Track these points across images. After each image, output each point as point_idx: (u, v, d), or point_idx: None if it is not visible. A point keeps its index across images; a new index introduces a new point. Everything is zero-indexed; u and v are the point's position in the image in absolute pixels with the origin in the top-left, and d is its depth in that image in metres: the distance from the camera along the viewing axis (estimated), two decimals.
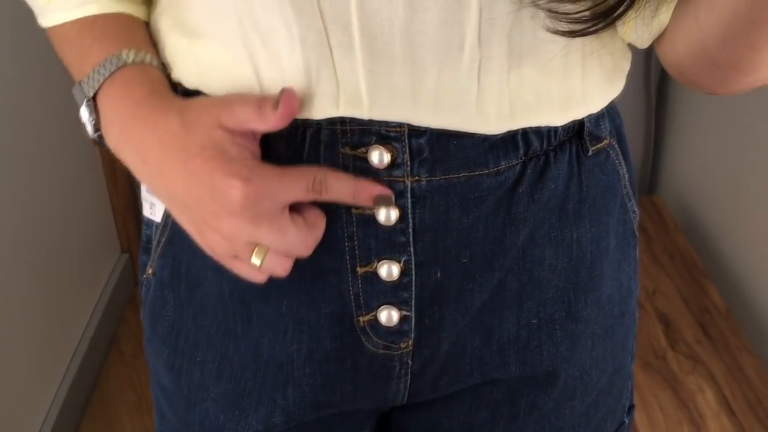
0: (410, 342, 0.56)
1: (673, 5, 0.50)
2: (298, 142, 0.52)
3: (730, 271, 1.73)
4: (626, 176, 0.60)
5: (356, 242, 0.53)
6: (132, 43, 0.55)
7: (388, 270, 0.53)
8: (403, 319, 0.55)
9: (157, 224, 0.59)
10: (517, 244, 0.55)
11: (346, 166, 0.52)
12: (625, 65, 0.56)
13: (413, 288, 0.54)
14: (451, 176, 0.52)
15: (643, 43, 0.54)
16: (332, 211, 0.53)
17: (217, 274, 0.56)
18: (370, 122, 0.51)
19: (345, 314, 0.55)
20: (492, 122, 0.51)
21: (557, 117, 0.53)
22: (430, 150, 0.51)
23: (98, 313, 1.65)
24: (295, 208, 0.52)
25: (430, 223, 0.53)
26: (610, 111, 0.59)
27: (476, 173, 0.52)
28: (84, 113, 0.54)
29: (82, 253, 1.63)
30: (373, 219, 0.52)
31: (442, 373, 0.58)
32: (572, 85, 0.53)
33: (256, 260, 0.51)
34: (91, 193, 1.69)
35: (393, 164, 0.51)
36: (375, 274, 0.54)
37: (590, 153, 0.56)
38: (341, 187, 0.51)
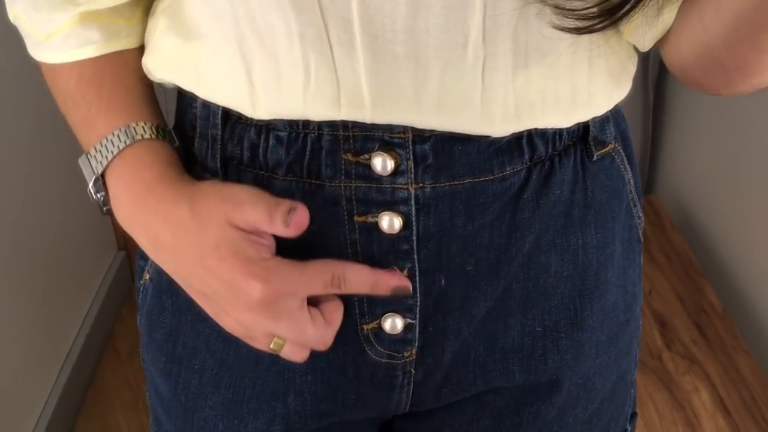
0: (414, 350, 0.56)
1: (677, 5, 0.50)
2: (299, 148, 0.51)
3: (726, 272, 1.74)
4: (631, 181, 0.60)
5: (359, 249, 0.53)
6: (140, 112, 0.55)
7: None
8: (407, 327, 0.55)
9: None
10: (523, 251, 0.54)
11: (348, 173, 0.51)
12: (631, 68, 0.56)
13: (418, 296, 0.54)
14: (455, 183, 0.51)
15: (645, 45, 0.53)
16: (334, 218, 0.52)
17: None
18: (373, 127, 0.50)
19: (349, 322, 0.55)
20: (497, 123, 0.50)
21: (563, 118, 0.52)
22: (434, 156, 0.51)
23: (94, 311, 1.65)
24: (314, 299, 0.53)
25: (435, 230, 0.52)
26: (615, 115, 0.58)
27: (481, 179, 0.52)
28: (92, 189, 0.55)
29: (79, 250, 1.63)
30: (376, 227, 0.52)
31: (445, 381, 0.58)
32: (578, 85, 0.52)
33: (274, 348, 0.53)
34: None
35: (396, 171, 0.51)
36: None
37: (595, 158, 0.56)
38: (360, 281, 0.52)
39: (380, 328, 0.55)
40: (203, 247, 0.50)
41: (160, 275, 0.58)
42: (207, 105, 0.53)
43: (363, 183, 0.51)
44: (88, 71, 0.55)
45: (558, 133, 0.53)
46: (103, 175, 0.54)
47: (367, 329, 0.55)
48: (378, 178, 0.51)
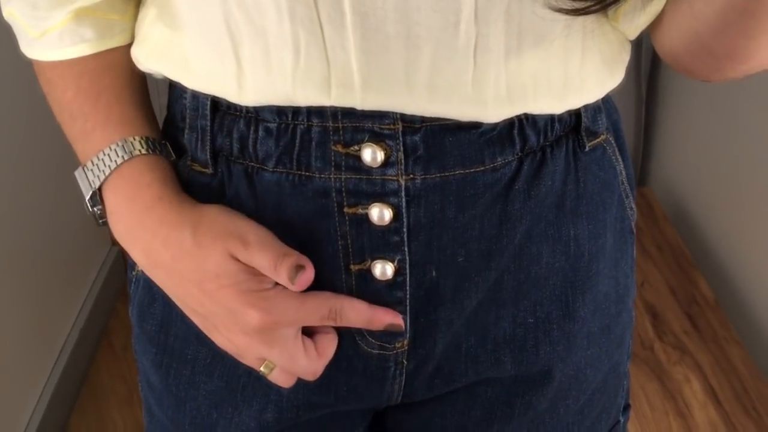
0: (405, 342, 0.56)
1: None
2: (288, 139, 0.51)
3: (718, 263, 1.74)
4: (623, 173, 0.60)
5: (349, 240, 0.53)
6: (137, 125, 0.55)
7: (382, 269, 0.53)
8: None
9: None
10: (514, 241, 0.54)
11: (338, 165, 0.51)
12: (624, 56, 0.55)
13: (408, 287, 0.54)
14: (446, 174, 0.51)
15: (633, 32, 0.53)
16: (324, 209, 0.52)
17: None
18: (363, 118, 0.50)
19: None
20: (489, 107, 0.49)
21: (555, 103, 0.52)
22: (425, 147, 0.50)
23: (88, 306, 1.65)
24: (309, 328, 0.54)
25: (425, 222, 0.52)
26: (607, 106, 0.58)
27: (472, 170, 0.52)
28: (89, 203, 0.55)
29: (73, 245, 1.62)
30: (366, 218, 0.52)
31: (436, 372, 0.58)
32: (570, 69, 0.51)
33: (264, 371, 0.54)
34: None
35: (386, 163, 0.50)
36: (369, 273, 0.53)
37: (587, 148, 0.56)
38: (357, 316, 0.53)
39: None
40: (202, 273, 0.51)
41: None
42: (196, 96, 0.53)
43: (353, 174, 0.51)
44: (85, 83, 0.55)
45: (550, 123, 0.53)
46: (99, 189, 0.54)
47: None
48: (368, 170, 0.51)
